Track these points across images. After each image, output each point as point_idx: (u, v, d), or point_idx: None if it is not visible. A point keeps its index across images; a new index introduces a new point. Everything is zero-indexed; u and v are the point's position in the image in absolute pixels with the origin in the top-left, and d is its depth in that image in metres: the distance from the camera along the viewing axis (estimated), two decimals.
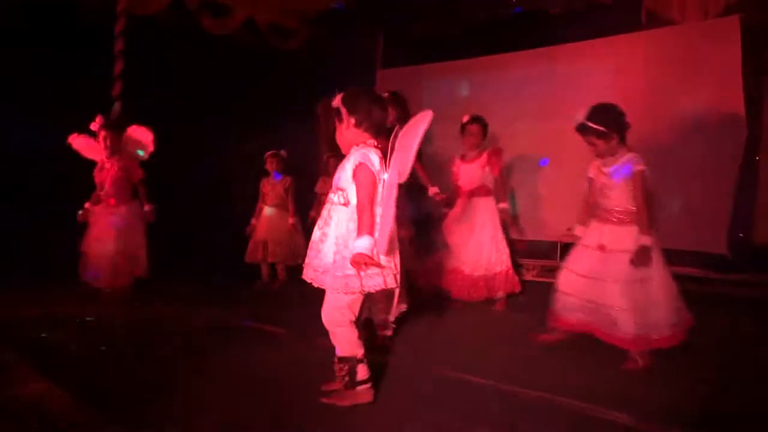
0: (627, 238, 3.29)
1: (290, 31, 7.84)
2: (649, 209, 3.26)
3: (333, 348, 2.65)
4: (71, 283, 4.84)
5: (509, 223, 4.87)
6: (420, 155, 5.06)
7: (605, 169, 3.43)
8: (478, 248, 4.64)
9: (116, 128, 4.99)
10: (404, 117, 4.20)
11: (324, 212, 2.61)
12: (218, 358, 3.34)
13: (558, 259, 5.83)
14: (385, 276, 2.46)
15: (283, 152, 5.78)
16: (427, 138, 2.51)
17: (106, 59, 6.16)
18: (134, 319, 4.26)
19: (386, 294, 2.76)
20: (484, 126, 4.69)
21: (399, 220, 2.63)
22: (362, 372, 2.59)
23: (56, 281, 5.00)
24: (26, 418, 2.40)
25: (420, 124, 2.43)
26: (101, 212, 4.87)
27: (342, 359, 2.60)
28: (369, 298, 2.78)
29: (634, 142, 4.83)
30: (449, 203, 4.79)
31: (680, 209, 5.44)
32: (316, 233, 2.61)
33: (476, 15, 7.09)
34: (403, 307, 3.84)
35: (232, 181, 7.26)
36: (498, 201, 4.72)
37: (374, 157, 2.52)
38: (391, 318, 3.67)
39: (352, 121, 2.57)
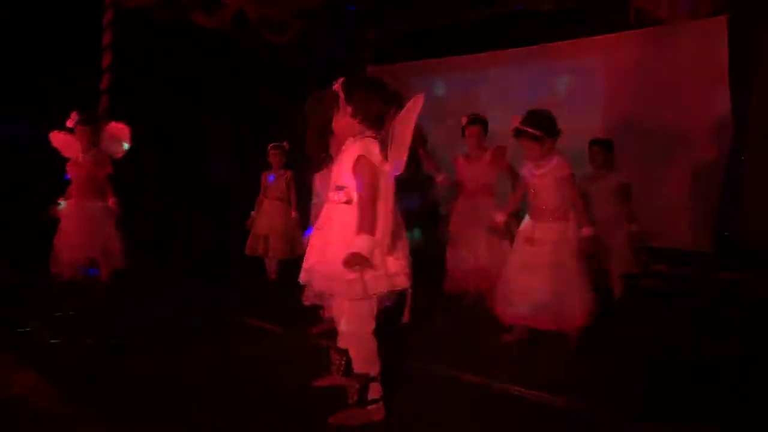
0: (556, 231, 3.54)
1: (281, 24, 7.80)
2: (583, 204, 3.58)
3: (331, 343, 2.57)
4: (45, 277, 4.82)
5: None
6: (424, 142, 5.09)
7: (537, 172, 3.61)
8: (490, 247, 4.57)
9: (92, 123, 5.00)
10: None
11: (324, 212, 2.47)
12: (212, 354, 3.33)
13: None
14: (393, 277, 2.32)
15: (285, 144, 5.70)
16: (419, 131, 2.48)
17: (94, 52, 6.11)
18: (122, 313, 4.24)
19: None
20: (484, 125, 4.63)
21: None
22: (375, 390, 2.42)
23: (30, 275, 4.96)
24: (15, 412, 2.39)
25: (412, 111, 2.35)
26: (74, 206, 4.90)
27: (356, 376, 2.41)
28: None
29: (622, 142, 4.91)
30: (454, 191, 4.76)
31: (666, 208, 5.50)
32: (317, 236, 2.47)
33: (468, 12, 7.10)
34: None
35: (222, 174, 7.25)
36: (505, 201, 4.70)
37: (373, 148, 2.36)
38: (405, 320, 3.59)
39: (349, 110, 2.39)
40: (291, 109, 7.81)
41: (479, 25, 7.08)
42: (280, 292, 5.18)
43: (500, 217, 3.89)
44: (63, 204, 4.90)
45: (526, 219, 3.72)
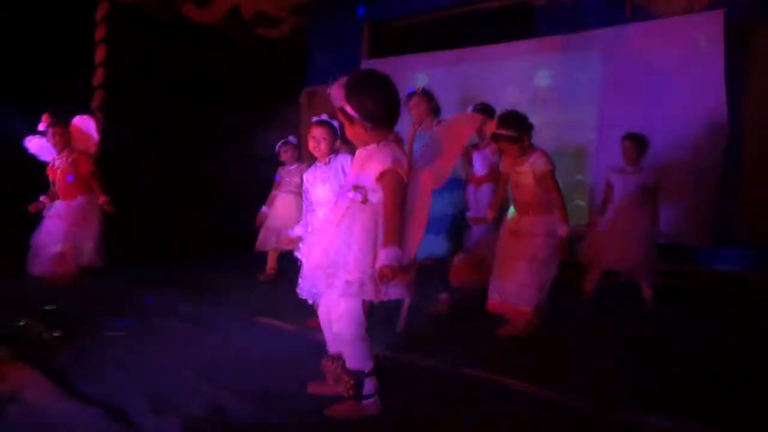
0: (538, 224, 3.65)
1: (277, 20, 7.79)
2: (563, 201, 3.62)
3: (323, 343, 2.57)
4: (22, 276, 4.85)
5: None
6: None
7: (517, 168, 3.70)
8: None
9: (63, 125, 5.00)
10: (436, 110, 4.24)
11: (335, 209, 2.41)
12: (209, 347, 3.31)
13: None
14: (391, 287, 2.28)
15: (292, 139, 5.64)
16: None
17: (87, 47, 6.07)
18: (114, 308, 4.21)
19: None
20: (490, 113, 4.62)
21: None
22: (369, 385, 2.41)
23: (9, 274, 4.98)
24: (7, 407, 2.37)
25: (467, 128, 2.33)
26: (53, 207, 4.94)
27: (351, 372, 2.41)
28: None
29: (618, 135, 4.89)
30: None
31: (664, 201, 5.48)
32: (325, 229, 2.41)
33: (463, 6, 7.09)
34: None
35: (218, 169, 7.21)
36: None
37: (403, 159, 2.29)
38: (399, 329, 3.59)
39: (364, 119, 2.27)
40: (287, 104, 7.85)
41: (474, 19, 7.07)
42: (278, 286, 5.19)
43: (489, 215, 4.02)
44: (48, 204, 4.93)
45: (512, 211, 3.83)
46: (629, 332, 3.99)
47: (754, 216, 5.45)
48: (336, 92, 2.31)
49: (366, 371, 2.41)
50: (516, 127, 3.59)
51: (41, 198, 4.96)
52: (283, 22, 7.81)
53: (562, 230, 3.57)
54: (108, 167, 6.04)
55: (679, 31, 5.72)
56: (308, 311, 3.90)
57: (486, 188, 4.63)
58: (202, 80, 7.11)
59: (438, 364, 3.10)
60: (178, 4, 6.82)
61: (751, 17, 5.57)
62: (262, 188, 5.66)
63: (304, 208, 3.72)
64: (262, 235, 5.48)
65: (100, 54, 6.10)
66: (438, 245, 4.08)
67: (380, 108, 2.30)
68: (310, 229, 3.47)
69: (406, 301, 2.47)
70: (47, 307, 4.05)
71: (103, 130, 5.47)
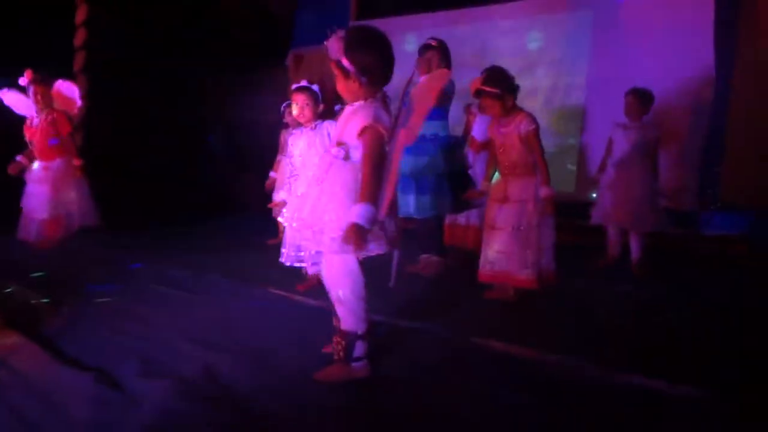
0: (527, 188, 3.60)
1: None
2: (545, 163, 3.57)
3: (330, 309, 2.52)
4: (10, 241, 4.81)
5: None
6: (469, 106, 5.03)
7: (503, 129, 3.66)
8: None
9: (46, 83, 4.89)
10: (447, 67, 4.16)
11: (319, 167, 2.41)
12: (201, 314, 3.31)
13: None
14: (370, 242, 2.26)
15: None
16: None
17: (68, 7, 5.91)
18: (103, 273, 4.20)
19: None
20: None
21: None
22: (360, 348, 2.42)
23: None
24: None
25: (436, 83, 2.29)
26: (38, 168, 4.87)
27: (343, 333, 2.41)
28: None
29: (606, 101, 4.89)
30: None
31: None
32: (311, 189, 2.39)
33: None
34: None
35: (206, 131, 7.12)
36: None
37: (384, 117, 2.28)
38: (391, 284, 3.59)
39: (360, 73, 2.26)
40: (275, 66, 7.70)
41: None
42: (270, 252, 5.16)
43: (483, 186, 3.93)
44: (21, 163, 4.86)
45: (497, 177, 3.78)
46: (621, 293, 4.02)
47: (738, 180, 5.50)
48: (334, 45, 2.28)
49: (359, 333, 2.41)
50: (499, 85, 3.53)
51: (18, 158, 4.88)
52: None
53: (544, 191, 3.52)
54: (91, 131, 5.97)
55: (669, 3, 5.71)
56: (298, 277, 3.98)
57: (483, 157, 4.59)
58: (188, 42, 6.95)
59: (426, 328, 3.13)
60: None
61: None
62: (254, 152, 5.58)
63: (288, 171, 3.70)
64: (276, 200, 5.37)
65: (81, 14, 5.94)
66: (421, 206, 4.03)
67: (377, 64, 2.29)
68: (295, 194, 3.48)
69: (396, 256, 2.46)
70: (35, 274, 4.03)
71: (85, 94, 5.37)
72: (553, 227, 3.62)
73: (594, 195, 4.97)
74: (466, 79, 3.86)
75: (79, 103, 5.06)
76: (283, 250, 3.61)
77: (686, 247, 5.55)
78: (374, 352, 2.54)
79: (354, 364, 2.43)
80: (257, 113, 6.49)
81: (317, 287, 3.55)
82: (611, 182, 4.66)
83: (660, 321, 3.41)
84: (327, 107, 3.47)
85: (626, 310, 3.63)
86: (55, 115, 4.87)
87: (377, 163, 2.23)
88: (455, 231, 4.93)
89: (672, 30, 5.64)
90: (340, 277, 2.38)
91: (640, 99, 4.58)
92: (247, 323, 3.18)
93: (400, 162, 2.31)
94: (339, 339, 2.43)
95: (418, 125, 2.29)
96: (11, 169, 4.86)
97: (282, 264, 3.59)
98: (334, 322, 2.51)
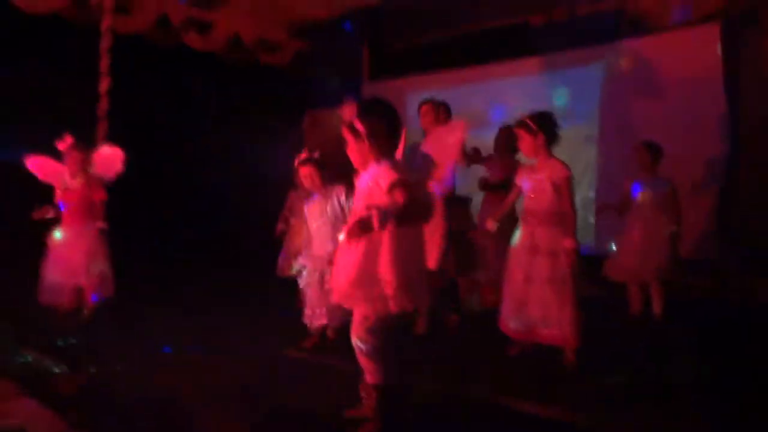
0: (552, 239, 3.50)
1: (278, 45, 7.85)
2: (575, 214, 3.51)
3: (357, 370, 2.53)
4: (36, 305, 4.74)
5: None
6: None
7: (535, 175, 3.62)
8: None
9: (85, 149, 4.93)
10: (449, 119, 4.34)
11: (348, 232, 2.39)
12: (214, 379, 3.29)
13: None
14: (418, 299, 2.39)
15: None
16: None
17: (92, 77, 6.14)
18: (118, 341, 4.18)
19: None
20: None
21: None
22: (393, 401, 2.45)
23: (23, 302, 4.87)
24: None
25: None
26: (66, 233, 4.82)
27: (373, 387, 2.44)
28: None
29: (620, 150, 4.90)
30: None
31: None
32: (349, 251, 2.43)
33: (462, 27, 7.17)
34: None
35: (224, 195, 7.23)
36: None
37: (403, 167, 2.43)
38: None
39: (370, 136, 2.42)
40: (290, 128, 7.86)
41: (472, 39, 7.17)
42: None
43: (490, 225, 3.87)
44: (47, 209, 4.75)
45: (521, 226, 3.69)
46: (637, 349, 3.93)
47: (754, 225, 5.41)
48: (348, 111, 2.52)
49: (390, 385, 2.43)
50: (538, 122, 3.56)
51: (45, 207, 4.75)
52: (284, 48, 7.87)
53: (568, 242, 3.43)
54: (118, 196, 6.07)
55: (676, 44, 5.79)
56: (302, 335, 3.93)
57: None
58: (205, 107, 7.18)
59: (443, 384, 3.09)
60: (180, 32, 6.89)
61: (743, 22, 5.60)
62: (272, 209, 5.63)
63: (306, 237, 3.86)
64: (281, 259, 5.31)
65: (104, 84, 6.16)
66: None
67: (385, 128, 2.46)
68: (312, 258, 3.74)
69: (427, 305, 2.53)
70: (59, 342, 4.02)
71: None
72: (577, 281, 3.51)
73: (613, 247, 4.87)
74: (473, 132, 3.87)
75: (120, 169, 5.01)
76: (307, 311, 3.75)
77: (710, 295, 5.42)
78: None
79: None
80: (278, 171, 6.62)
81: (321, 343, 3.78)
82: (630, 239, 4.60)
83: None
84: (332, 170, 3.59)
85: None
86: (90, 180, 4.89)
87: (414, 211, 2.34)
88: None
89: (681, 78, 5.68)
90: (368, 330, 2.41)
91: (650, 151, 4.60)
92: (263, 387, 3.13)
93: None
94: (368, 394, 2.43)
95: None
96: (37, 215, 4.72)
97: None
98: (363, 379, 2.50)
